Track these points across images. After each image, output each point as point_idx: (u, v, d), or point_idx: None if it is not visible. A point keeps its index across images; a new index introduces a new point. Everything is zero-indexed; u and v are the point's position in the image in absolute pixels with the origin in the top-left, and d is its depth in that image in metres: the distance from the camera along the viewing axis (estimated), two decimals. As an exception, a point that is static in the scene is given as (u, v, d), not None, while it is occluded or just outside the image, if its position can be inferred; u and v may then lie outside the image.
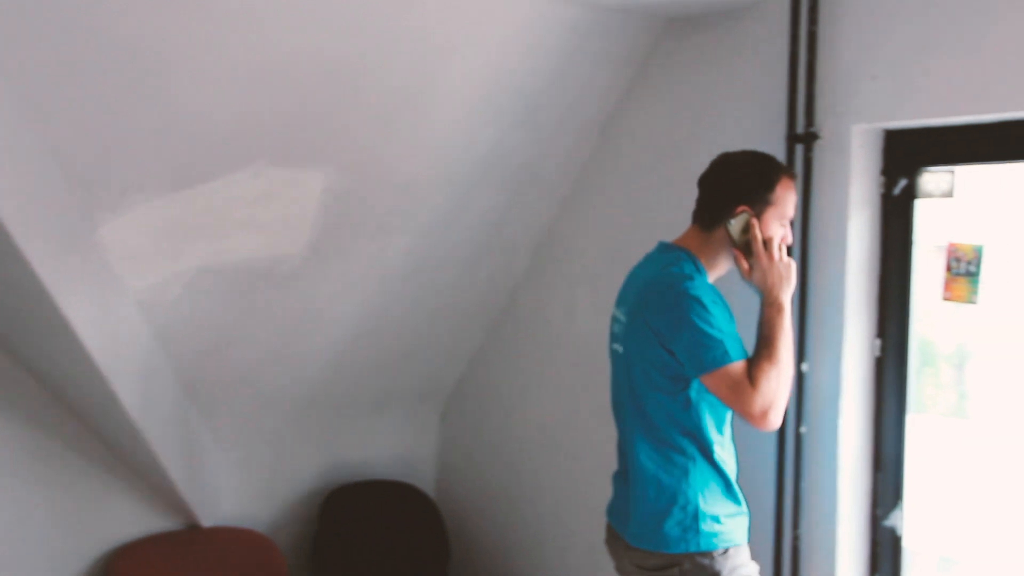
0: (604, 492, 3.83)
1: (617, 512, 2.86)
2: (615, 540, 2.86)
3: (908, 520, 3.30)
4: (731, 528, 2.70)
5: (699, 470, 2.68)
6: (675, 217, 3.56)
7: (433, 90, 3.23)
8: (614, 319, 2.88)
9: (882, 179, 3.21)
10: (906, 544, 3.31)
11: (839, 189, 3.17)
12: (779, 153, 3.25)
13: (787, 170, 2.78)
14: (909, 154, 3.16)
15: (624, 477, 2.84)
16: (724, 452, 2.72)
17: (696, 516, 2.66)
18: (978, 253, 3.07)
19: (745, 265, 2.75)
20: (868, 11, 3.08)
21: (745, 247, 2.74)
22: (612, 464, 3.79)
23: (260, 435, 3.97)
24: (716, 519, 2.67)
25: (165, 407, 3.51)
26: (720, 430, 2.72)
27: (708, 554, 2.65)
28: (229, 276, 3.36)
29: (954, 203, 3.15)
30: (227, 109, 2.94)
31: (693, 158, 3.51)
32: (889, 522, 3.28)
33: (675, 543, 2.66)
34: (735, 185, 2.73)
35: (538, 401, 4.07)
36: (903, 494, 3.29)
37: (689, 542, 2.65)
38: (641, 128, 3.65)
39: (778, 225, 2.75)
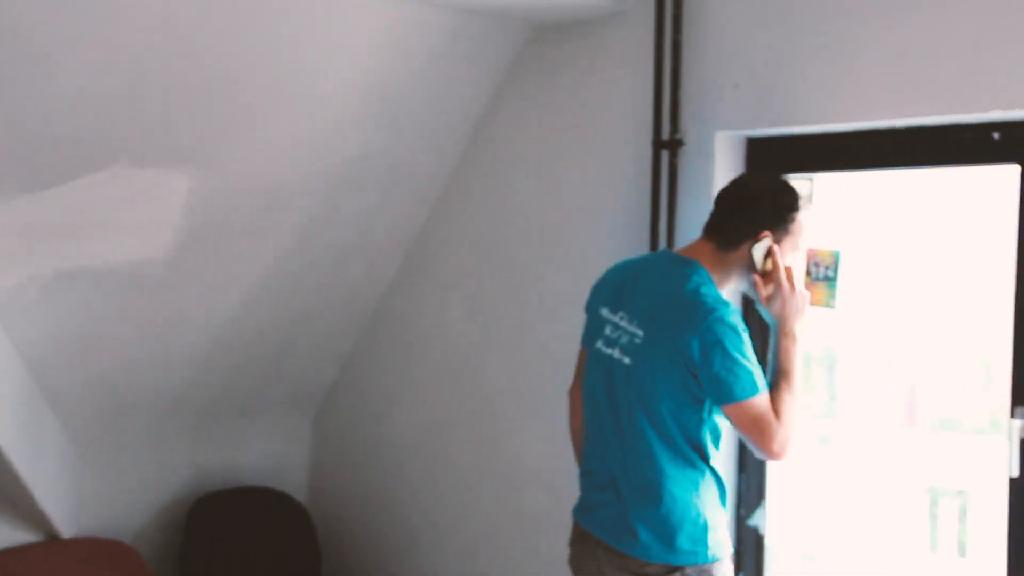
0: (478, 494, 3.86)
1: (603, 521, 2.76)
2: (593, 546, 2.78)
3: (771, 519, 3.36)
4: (724, 538, 2.72)
5: (707, 484, 2.69)
6: (545, 220, 3.61)
7: (301, 92, 3.20)
8: (610, 324, 2.78)
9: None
10: (769, 543, 3.37)
11: (704, 195, 3.22)
12: (645, 159, 3.31)
13: (806, 201, 2.80)
14: (770, 160, 3.24)
15: (614, 486, 2.75)
16: (719, 464, 2.74)
17: (705, 529, 2.67)
18: (835, 258, 3.15)
19: (765, 292, 2.73)
20: (731, 20, 3.15)
21: (763, 274, 2.74)
22: (487, 466, 3.82)
23: (124, 442, 3.88)
24: (716, 530, 2.69)
25: (21, 414, 3.41)
26: (717, 444, 2.72)
27: (709, 566, 2.67)
28: (89, 280, 3.27)
29: (814, 209, 3.23)
30: (86, 108, 2.87)
31: (562, 163, 3.57)
32: (752, 521, 3.35)
33: (686, 556, 2.66)
34: (762, 210, 2.72)
35: (411, 404, 4.06)
36: (766, 494, 3.35)
37: (698, 555, 2.66)
38: (511, 132, 3.67)
39: (792, 255, 2.76)
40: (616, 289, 2.82)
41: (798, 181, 3.23)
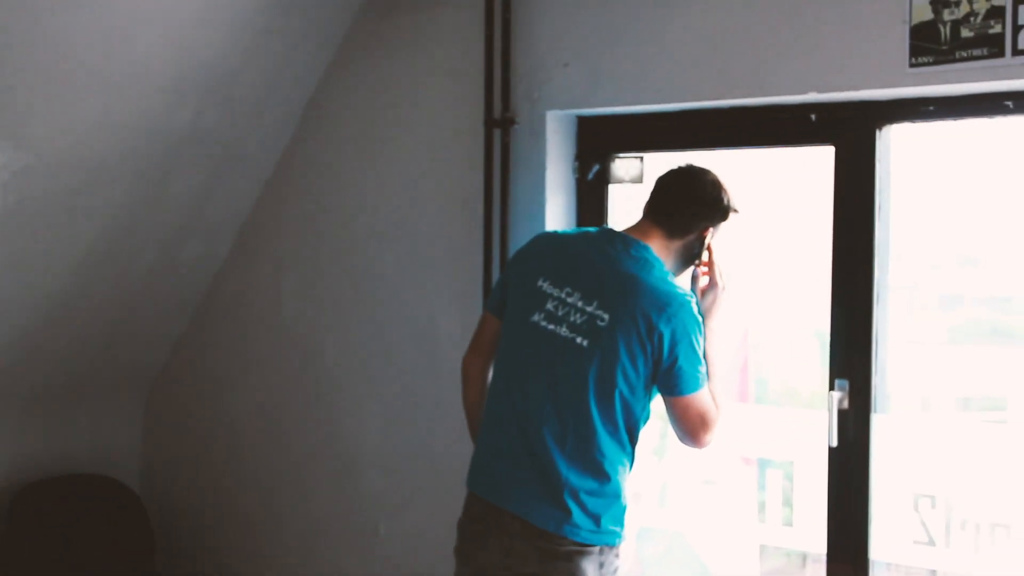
0: (315, 477, 3.82)
1: (523, 497, 2.65)
2: (506, 520, 2.67)
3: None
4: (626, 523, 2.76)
5: (627, 467, 2.69)
6: (379, 200, 3.58)
7: (118, 64, 3.11)
8: (553, 299, 2.70)
9: (576, 164, 3.32)
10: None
11: (536, 173, 3.26)
12: (478, 137, 3.31)
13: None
14: (601, 140, 3.28)
15: (536, 463, 2.66)
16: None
17: (623, 511, 2.68)
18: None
19: (702, 284, 2.77)
20: (560, 1, 3.17)
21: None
22: (324, 448, 3.77)
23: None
24: (627, 512, 2.72)
25: None
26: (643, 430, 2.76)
27: (616, 548, 2.68)
28: None
29: (644, 188, 3.28)
30: None
31: (395, 141, 3.55)
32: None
33: (609, 536, 2.65)
34: (715, 203, 2.73)
35: (246, 387, 3.99)
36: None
37: (616, 535, 2.66)
38: (343, 110, 3.63)
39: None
40: (555, 263, 2.74)
41: (628, 160, 3.29)
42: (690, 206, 2.73)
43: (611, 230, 2.81)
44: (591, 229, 2.90)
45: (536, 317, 2.70)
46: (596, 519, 2.63)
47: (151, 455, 4.28)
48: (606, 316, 2.63)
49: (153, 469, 4.27)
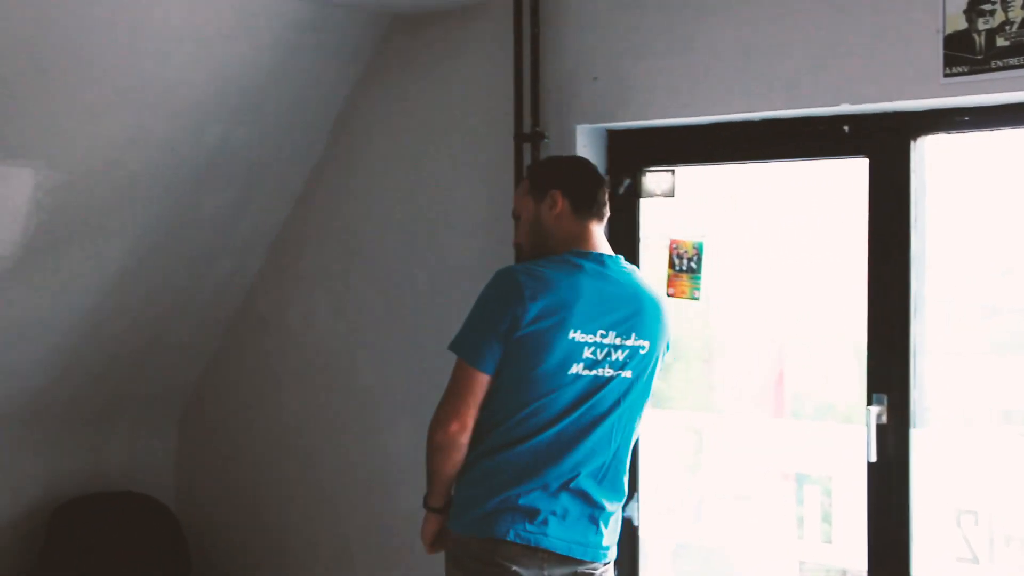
0: (349, 494, 3.81)
1: (586, 545, 2.65)
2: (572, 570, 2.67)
3: (644, 511, 3.39)
4: None
5: None
6: (409, 215, 3.58)
7: (150, 82, 3.14)
8: (589, 346, 2.61)
9: (607, 178, 3.29)
10: (643, 534, 3.40)
11: (567, 188, 3.24)
12: (507, 152, 3.30)
13: None
14: (631, 154, 3.27)
15: (595, 505, 2.65)
16: None
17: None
18: (698, 250, 3.19)
19: None
20: (588, 14, 3.17)
21: None
22: (359, 465, 3.77)
23: (-24, 449, 3.75)
24: None
25: None
26: None
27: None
28: (-69, 280, 3.17)
29: (676, 202, 3.26)
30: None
31: (425, 156, 3.54)
32: (626, 513, 3.36)
33: (615, 551, 2.74)
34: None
35: (280, 404, 4.00)
36: (638, 485, 3.37)
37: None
38: (374, 125, 3.64)
39: None
40: (580, 311, 2.60)
41: (659, 174, 3.27)
42: (605, 191, 2.76)
43: (594, 254, 2.69)
44: (577, 260, 2.67)
45: (575, 369, 2.61)
46: (615, 537, 2.71)
47: (185, 472, 4.30)
48: (646, 344, 2.65)
49: (187, 486, 4.29)
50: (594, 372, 2.61)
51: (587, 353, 2.60)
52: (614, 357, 2.63)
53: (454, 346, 2.60)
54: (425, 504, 2.76)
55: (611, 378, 2.63)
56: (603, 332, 2.61)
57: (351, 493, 3.82)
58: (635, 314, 2.64)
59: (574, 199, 2.70)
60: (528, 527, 2.63)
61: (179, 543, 4.07)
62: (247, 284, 3.99)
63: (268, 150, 3.60)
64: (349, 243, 3.74)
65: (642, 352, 2.65)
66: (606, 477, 2.66)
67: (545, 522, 2.63)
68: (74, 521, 3.91)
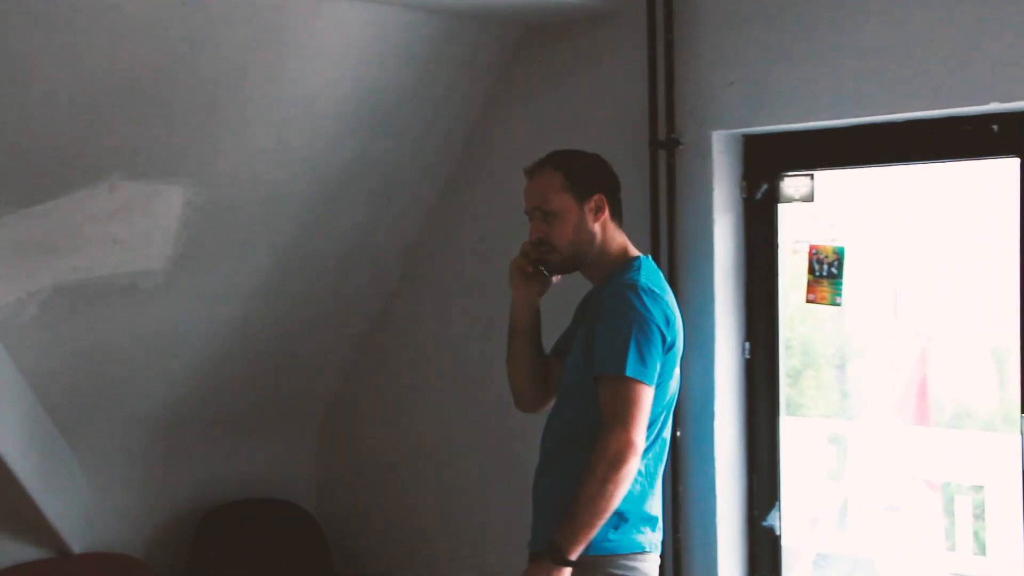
0: (488, 498, 3.83)
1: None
2: None
3: (786, 519, 3.34)
4: None
5: None
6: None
7: (292, 100, 3.20)
8: (680, 351, 2.77)
9: (744, 184, 3.26)
10: (785, 543, 3.35)
11: (702, 194, 3.21)
12: (643, 160, 3.29)
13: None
14: (769, 159, 3.22)
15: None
16: None
17: None
18: (839, 255, 3.13)
19: None
20: (723, 19, 3.13)
21: None
22: (496, 471, 3.79)
23: (130, 456, 3.87)
24: None
25: (25, 430, 3.41)
26: None
27: None
28: (88, 294, 3.27)
29: (814, 206, 3.20)
30: (79, 122, 2.88)
31: (559, 166, 3.53)
32: (768, 522, 3.32)
33: None
34: None
35: (417, 412, 4.04)
36: (780, 494, 3.32)
37: None
38: (507, 135, 3.65)
39: None
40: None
41: (797, 179, 3.21)
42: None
43: (646, 259, 2.79)
44: (654, 267, 2.81)
45: (673, 367, 2.74)
46: None
47: (325, 479, 4.37)
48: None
49: (328, 493, 4.36)
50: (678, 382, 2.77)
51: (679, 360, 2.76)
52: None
53: (632, 371, 2.56)
54: (560, 557, 2.57)
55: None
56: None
57: (490, 498, 3.83)
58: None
59: (612, 203, 2.78)
60: (652, 534, 2.72)
61: (321, 548, 4.14)
62: (384, 294, 4.05)
63: (404, 162, 3.64)
64: (484, 253, 3.76)
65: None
66: None
67: (659, 529, 2.74)
68: (221, 527, 4.02)
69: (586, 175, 2.77)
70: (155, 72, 2.89)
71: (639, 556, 2.67)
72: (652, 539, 2.71)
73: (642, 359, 2.57)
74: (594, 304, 2.77)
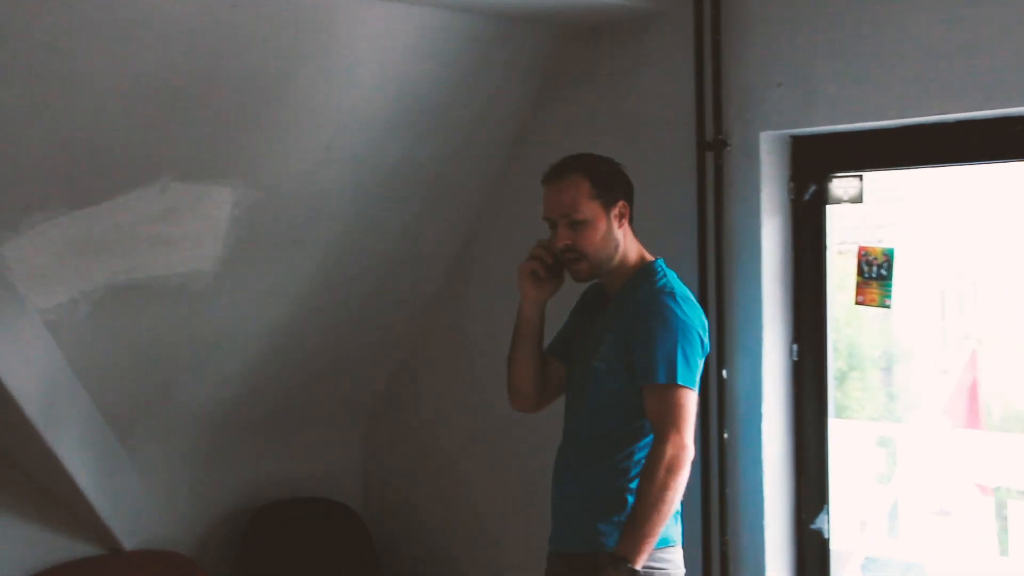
0: (534, 498, 3.81)
1: None
2: None
3: (835, 522, 3.31)
4: None
5: None
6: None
7: (339, 102, 3.22)
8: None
9: (792, 185, 3.24)
10: (833, 546, 3.32)
11: (750, 196, 3.19)
12: (690, 161, 3.28)
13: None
14: (817, 160, 3.20)
15: None
16: None
17: None
18: (889, 257, 3.10)
19: None
20: (771, 20, 3.12)
21: None
22: (542, 472, 3.76)
23: (180, 455, 3.92)
24: None
25: (79, 428, 3.46)
26: None
27: None
28: (140, 294, 3.31)
29: (863, 208, 3.18)
30: (130, 124, 2.92)
31: (606, 167, 3.53)
32: (816, 525, 3.30)
33: None
34: None
35: (462, 412, 4.05)
36: (828, 497, 3.30)
37: None
38: (553, 137, 3.65)
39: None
40: None
41: (846, 180, 3.19)
42: None
43: (662, 262, 2.85)
44: (665, 266, 2.87)
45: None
46: None
47: (371, 479, 4.40)
48: None
49: (374, 492, 4.39)
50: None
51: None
52: None
53: (682, 379, 2.65)
54: (625, 568, 2.59)
55: None
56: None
57: (535, 498, 3.82)
58: None
59: (631, 207, 2.83)
60: (675, 527, 2.81)
61: (367, 547, 4.17)
62: (430, 294, 4.06)
63: (450, 164, 3.65)
64: (530, 253, 3.76)
65: None
66: None
67: (679, 522, 2.83)
68: (269, 526, 4.05)
69: (610, 181, 2.79)
70: (205, 75, 2.92)
71: (671, 549, 2.76)
72: (678, 532, 2.81)
73: (688, 366, 2.66)
74: (617, 309, 2.79)
